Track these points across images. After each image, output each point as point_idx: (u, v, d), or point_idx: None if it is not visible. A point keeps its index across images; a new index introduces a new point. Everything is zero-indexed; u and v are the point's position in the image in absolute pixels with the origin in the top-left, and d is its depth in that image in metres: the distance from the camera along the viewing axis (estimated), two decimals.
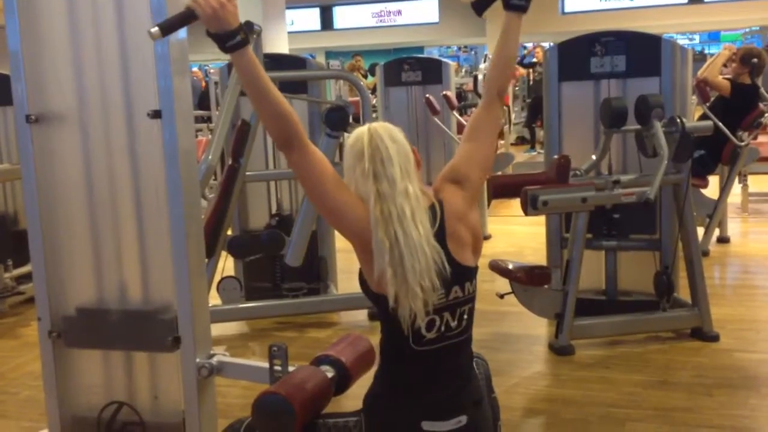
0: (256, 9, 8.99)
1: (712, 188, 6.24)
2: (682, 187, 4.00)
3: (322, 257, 4.80)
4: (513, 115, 11.64)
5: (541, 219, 4.43)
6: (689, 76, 4.50)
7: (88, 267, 2.43)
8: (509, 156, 7.45)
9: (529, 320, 4.26)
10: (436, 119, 6.26)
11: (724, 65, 6.19)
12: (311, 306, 4.62)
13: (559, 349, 3.94)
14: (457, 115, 6.81)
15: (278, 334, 4.43)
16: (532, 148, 12.09)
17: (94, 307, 2.44)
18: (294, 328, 4.53)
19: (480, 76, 7.53)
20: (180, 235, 2.28)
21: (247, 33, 1.74)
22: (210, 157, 3.88)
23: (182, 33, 2.27)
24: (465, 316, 1.85)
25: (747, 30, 19.84)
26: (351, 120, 4.15)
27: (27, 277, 4.96)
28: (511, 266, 3.99)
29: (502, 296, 3.98)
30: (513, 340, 4.26)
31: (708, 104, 5.87)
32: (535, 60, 12.21)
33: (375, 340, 1.97)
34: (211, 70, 10.54)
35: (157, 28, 1.75)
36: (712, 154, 5.87)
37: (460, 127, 7.13)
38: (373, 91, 8.46)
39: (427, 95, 6.25)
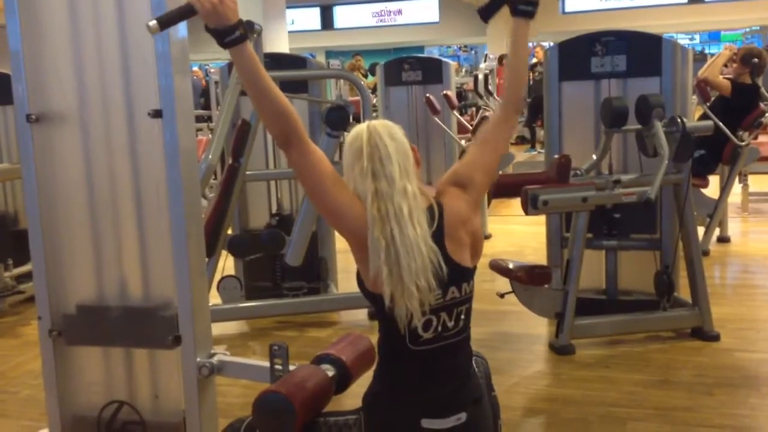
0: (257, 8, 9.00)
1: (712, 188, 6.24)
2: (683, 186, 4.00)
3: (323, 257, 4.80)
4: None
5: (542, 218, 4.43)
6: (690, 76, 4.50)
7: (88, 266, 2.43)
8: (509, 155, 7.44)
9: (530, 319, 4.26)
10: (436, 119, 6.26)
11: (725, 65, 6.19)
12: (311, 305, 4.62)
13: (560, 349, 3.94)
14: (458, 115, 6.82)
15: (278, 334, 4.43)
16: (533, 147, 12.09)
17: (95, 305, 2.44)
18: (294, 328, 4.53)
19: (480, 76, 7.52)
20: (180, 234, 2.28)
21: (246, 29, 1.73)
22: (210, 156, 3.88)
23: (183, 32, 2.27)
24: (462, 316, 1.84)
25: (747, 30, 19.84)
26: (351, 119, 4.14)
27: (27, 277, 4.96)
28: (511, 265, 3.99)
29: (502, 295, 3.98)
30: (513, 340, 4.26)
31: (708, 104, 5.87)
32: (535, 60, 12.21)
33: (375, 339, 1.97)
34: (212, 70, 10.54)
35: (155, 22, 1.75)
36: (712, 153, 5.87)
37: (461, 127, 7.14)
38: (374, 90, 8.46)
39: (428, 95, 6.25)
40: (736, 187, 6.41)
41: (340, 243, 4.07)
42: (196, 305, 2.33)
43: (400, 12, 19.94)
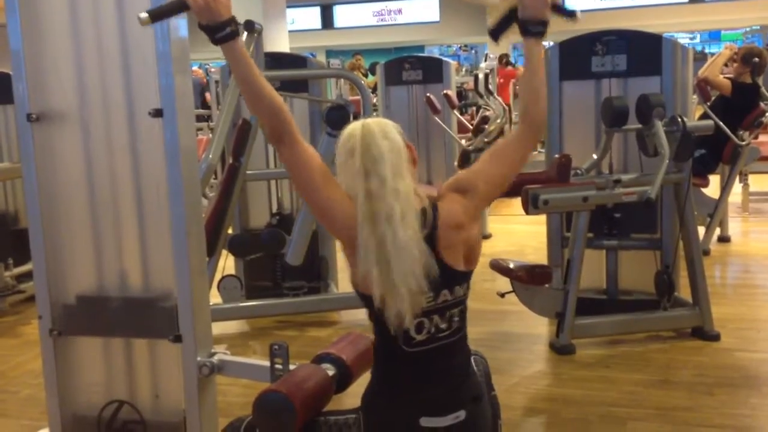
0: (257, 8, 8.98)
1: (712, 187, 6.24)
2: (683, 186, 4.00)
3: (323, 256, 4.80)
4: (513, 114, 11.62)
5: (542, 218, 4.43)
6: (690, 76, 4.49)
7: (89, 266, 2.43)
8: None
9: (530, 319, 4.25)
10: (436, 118, 6.26)
11: (725, 64, 6.19)
12: (312, 305, 4.62)
13: (560, 348, 3.94)
14: (458, 114, 6.81)
15: (279, 333, 4.43)
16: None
17: (95, 299, 2.44)
18: (294, 327, 4.53)
19: (480, 75, 7.50)
20: (181, 233, 2.28)
21: (238, 25, 1.74)
22: (211, 155, 3.88)
23: (183, 31, 2.27)
24: (455, 318, 1.82)
25: (747, 29, 19.84)
26: (352, 119, 4.14)
27: (27, 276, 4.96)
28: (512, 265, 3.99)
29: (503, 295, 3.98)
30: (514, 339, 4.25)
31: (709, 103, 5.87)
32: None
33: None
34: (212, 69, 10.53)
35: (146, 14, 1.77)
36: (712, 153, 5.87)
37: (461, 127, 7.14)
38: (374, 90, 8.45)
39: (428, 94, 6.24)
40: (737, 187, 6.40)
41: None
42: (197, 304, 2.33)
43: (400, 11, 19.94)
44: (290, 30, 10.64)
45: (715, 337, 4.03)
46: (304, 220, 4.28)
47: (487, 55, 8.84)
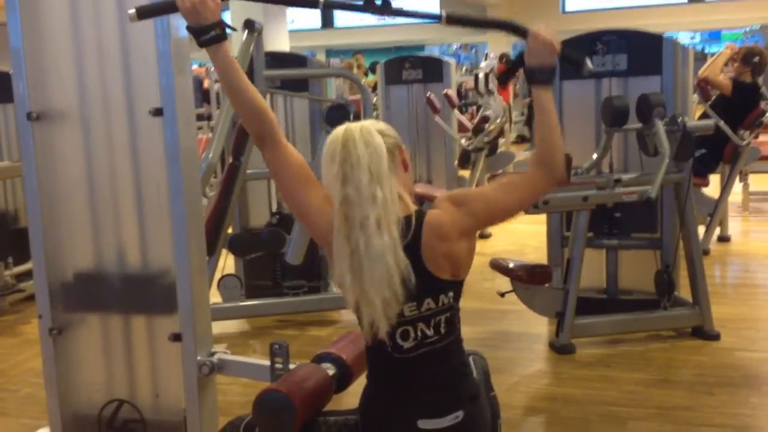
0: (257, 7, 8.98)
1: (713, 187, 6.24)
2: (684, 186, 4.00)
3: (323, 255, 4.80)
4: (513, 114, 11.64)
5: (542, 217, 4.43)
6: (690, 75, 4.49)
7: (89, 265, 2.43)
8: (509, 154, 7.44)
9: (530, 319, 4.25)
10: (437, 118, 6.25)
11: (726, 64, 6.18)
12: (312, 304, 4.62)
13: (560, 348, 3.94)
14: (458, 114, 6.81)
15: (279, 332, 4.43)
16: (533, 146, 12.05)
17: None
18: (294, 326, 4.53)
19: (481, 75, 7.50)
20: (181, 233, 2.28)
21: (224, 29, 1.76)
22: (211, 155, 3.88)
23: (183, 31, 2.27)
24: (442, 325, 1.78)
25: (748, 29, 19.83)
26: (352, 118, 4.14)
27: (27, 275, 4.96)
28: (512, 265, 3.99)
29: (503, 294, 3.98)
30: (514, 339, 4.25)
31: (709, 103, 5.87)
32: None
33: None
34: (212, 68, 10.52)
35: (134, 11, 1.80)
36: (713, 153, 5.87)
37: (461, 126, 7.13)
38: (374, 89, 8.45)
39: (428, 94, 6.24)
40: (737, 187, 6.40)
41: None
42: (197, 304, 2.33)
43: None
44: (290, 29, 10.64)
45: (715, 337, 4.03)
46: None
47: (487, 54, 8.85)
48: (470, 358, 1.97)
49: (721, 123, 5.42)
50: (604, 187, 3.79)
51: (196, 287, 2.33)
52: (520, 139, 12.94)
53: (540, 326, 4.30)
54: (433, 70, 6.66)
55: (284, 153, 1.82)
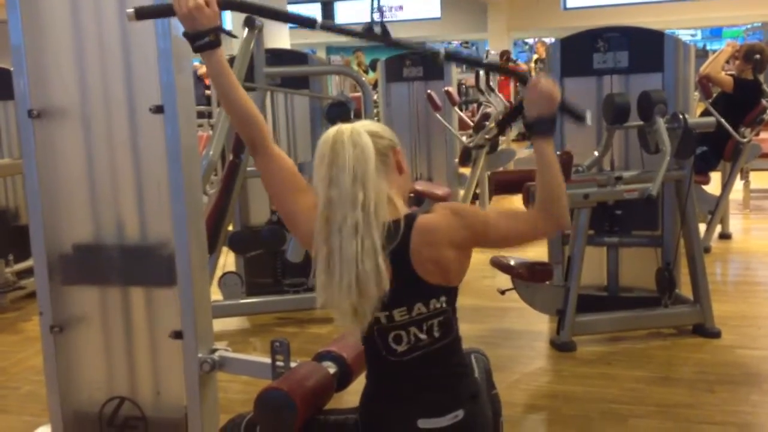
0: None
1: (714, 185, 6.24)
2: (685, 183, 4.00)
3: None
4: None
5: None
6: (692, 72, 4.49)
7: (90, 265, 2.43)
8: (510, 152, 7.45)
9: (531, 316, 4.25)
10: (437, 115, 6.25)
11: (727, 61, 6.18)
12: (312, 302, 4.53)
13: (561, 345, 3.94)
14: (459, 111, 6.80)
15: (280, 330, 4.43)
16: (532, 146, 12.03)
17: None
18: (295, 324, 4.53)
19: (481, 72, 7.50)
20: (182, 230, 2.28)
21: (219, 36, 1.79)
22: (211, 152, 3.87)
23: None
24: (435, 328, 1.77)
25: (749, 26, 19.83)
26: (353, 115, 4.14)
27: (28, 272, 4.96)
28: (512, 262, 3.99)
29: (503, 292, 3.98)
30: (514, 336, 4.26)
31: (710, 100, 5.87)
32: (536, 56, 12.20)
33: None
34: None
35: (132, 11, 1.83)
36: (714, 150, 5.87)
37: (462, 123, 7.13)
38: (375, 86, 8.45)
39: (429, 91, 6.24)
40: (738, 184, 6.40)
41: None
42: (198, 301, 2.33)
43: (401, 8, 19.91)
44: (290, 26, 10.63)
45: (716, 334, 4.03)
46: None
47: (488, 51, 8.84)
48: (472, 356, 1.97)
49: (722, 120, 5.42)
50: (605, 184, 3.79)
51: (197, 285, 2.33)
52: (521, 137, 12.93)
53: (541, 324, 4.30)
54: (433, 67, 6.65)
55: (274, 160, 1.86)
